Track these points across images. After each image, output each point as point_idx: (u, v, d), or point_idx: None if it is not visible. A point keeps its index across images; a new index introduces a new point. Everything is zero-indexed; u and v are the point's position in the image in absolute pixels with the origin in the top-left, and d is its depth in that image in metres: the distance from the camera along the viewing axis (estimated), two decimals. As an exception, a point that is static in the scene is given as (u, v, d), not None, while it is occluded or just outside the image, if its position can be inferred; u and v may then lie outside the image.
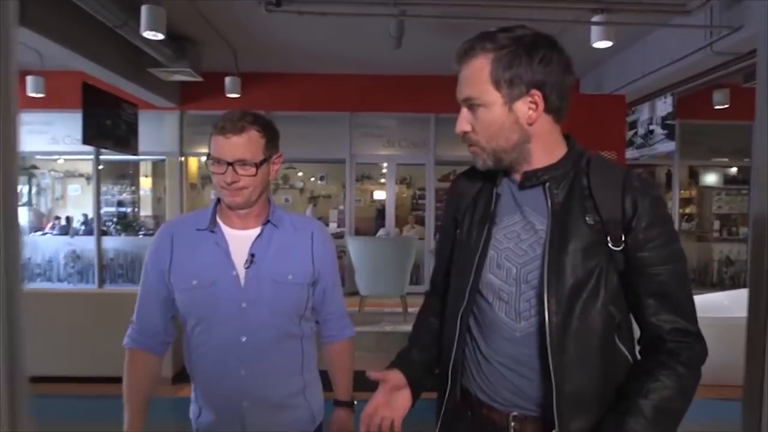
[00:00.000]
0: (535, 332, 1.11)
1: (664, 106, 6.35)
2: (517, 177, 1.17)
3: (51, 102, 7.73)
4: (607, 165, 1.16)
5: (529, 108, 1.09)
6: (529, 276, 1.12)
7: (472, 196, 1.24)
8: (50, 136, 8.65)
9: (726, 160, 8.86)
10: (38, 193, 10.29)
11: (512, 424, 1.13)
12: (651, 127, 6.75)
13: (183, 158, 8.80)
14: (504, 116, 1.10)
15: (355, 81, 8.17)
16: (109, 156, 8.53)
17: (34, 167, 9.66)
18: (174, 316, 1.52)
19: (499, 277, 1.16)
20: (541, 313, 1.09)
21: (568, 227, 1.09)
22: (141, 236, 9.29)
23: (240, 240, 1.45)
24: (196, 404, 1.52)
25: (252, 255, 1.43)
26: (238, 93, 7.15)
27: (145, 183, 10.76)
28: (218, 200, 1.48)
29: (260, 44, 6.69)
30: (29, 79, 7.13)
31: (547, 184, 1.13)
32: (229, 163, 1.36)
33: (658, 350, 1.09)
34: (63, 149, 8.80)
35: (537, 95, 1.08)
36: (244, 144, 1.36)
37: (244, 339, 1.42)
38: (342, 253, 6.97)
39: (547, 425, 1.09)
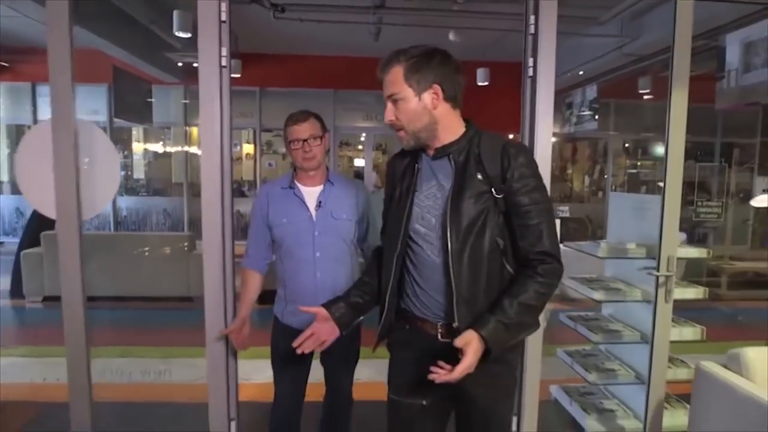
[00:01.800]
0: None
1: (591, 92, 7.82)
2: (431, 152, 1.54)
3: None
4: (493, 137, 1.50)
5: (432, 97, 1.46)
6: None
7: (402, 171, 1.60)
8: (67, 107, 9.73)
9: (652, 135, 10.46)
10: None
11: (439, 330, 1.51)
12: (582, 109, 8.22)
13: (187, 128, 10.00)
14: (416, 104, 1.46)
15: (339, 62, 9.37)
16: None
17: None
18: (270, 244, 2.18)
19: (424, 226, 1.52)
20: (445, 244, 1.45)
21: (464, 182, 1.45)
22: (144, 196, 10.48)
23: (311, 193, 2.11)
24: (283, 301, 2.18)
25: (320, 202, 2.09)
26: (238, 73, 8.33)
27: (138, 148, 11.52)
28: (294, 169, 2.15)
29: (258, 30, 7.77)
30: (56, 58, 8.16)
31: (451, 155, 1.50)
32: (304, 140, 2.03)
33: (525, 266, 1.46)
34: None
35: (437, 88, 1.46)
36: (310, 127, 2.05)
37: (318, 254, 2.08)
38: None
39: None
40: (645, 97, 8.75)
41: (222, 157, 2.25)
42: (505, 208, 1.45)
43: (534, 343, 2.41)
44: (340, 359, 2.25)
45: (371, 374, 3.66)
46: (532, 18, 2.34)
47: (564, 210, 10.25)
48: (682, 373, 2.78)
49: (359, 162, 12.42)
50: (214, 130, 2.21)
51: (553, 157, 11.94)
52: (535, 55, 2.33)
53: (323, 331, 1.62)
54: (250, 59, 8.82)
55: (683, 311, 2.88)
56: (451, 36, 6.58)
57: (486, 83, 8.32)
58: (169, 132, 10.51)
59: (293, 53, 9.25)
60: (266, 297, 2.28)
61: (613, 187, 10.60)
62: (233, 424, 2.49)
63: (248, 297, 2.21)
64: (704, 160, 10.87)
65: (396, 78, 1.45)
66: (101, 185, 2.32)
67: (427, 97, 1.46)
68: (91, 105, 9.80)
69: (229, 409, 2.47)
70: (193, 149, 10.53)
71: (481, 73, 8.30)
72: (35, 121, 9.68)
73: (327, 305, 1.65)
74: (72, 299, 2.34)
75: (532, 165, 1.47)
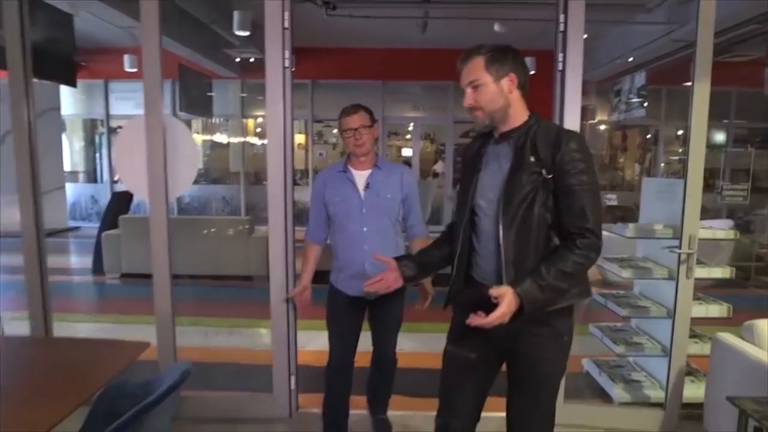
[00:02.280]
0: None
1: (640, 79, 7.77)
2: (497, 134, 1.75)
3: (137, 73, 9.44)
4: (550, 125, 1.70)
5: (509, 84, 1.67)
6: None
7: (472, 155, 1.84)
8: (135, 102, 10.50)
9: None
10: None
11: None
12: (630, 96, 8.18)
13: (244, 120, 10.56)
14: (495, 88, 1.67)
15: (388, 54, 9.66)
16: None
17: (120, 128, 11.51)
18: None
19: (484, 201, 1.72)
20: (497, 215, 1.66)
21: (520, 164, 1.65)
22: (203, 184, 11.13)
23: (361, 176, 2.43)
24: (336, 271, 2.49)
25: (368, 183, 2.41)
26: (293, 67, 8.74)
27: (197, 140, 12.15)
28: (348, 155, 2.46)
29: (310, 26, 8.16)
30: (126, 57, 8.86)
31: (512, 139, 1.70)
32: (355, 129, 2.36)
33: (566, 239, 1.62)
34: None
35: (513, 76, 1.67)
36: (359, 118, 2.37)
37: (365, 229, 2.40)
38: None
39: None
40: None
41: (285, 147, 2.61)
42: (554, 187, 1.62)
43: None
44: (386, 323, 2.57)
45: (415, 346, 3.99)
46: (561, 17, 2.57)
47: (612, 198, 10.19)
48: (708, 349, 2.93)
49: (407, 151, 12.70)
50: (278, 123, 2.57)
51: (603, 145, 11.87)
52: (564, 51, 2.55)
53: (390, 279, 1.88)
54: (303, 53, 9.23)
55: (727, 297, 3.01)
56: (497, 27, 6.74)
57: (533, 72, 8.41)
58: (226, 123, 11.11)
59: (343, 46, 9.59)
60: (318, 277, 2.58)
61: (665, 175, 10.44)
62: (293, 378, 2.87)
63: (309, 265, 2.54)
64: (764, 147, 10.55)
65: (477, 67, 1.67)
66: (184, 171, 2.72)
67: (505, 83, 1.66)
68: (157, 99, 10.51)
69: (290, 366, 2.85)
70: (251, 140, 11.12)
71: (527, 62, 8.40)
72: (108, 115, 10.48)
73: (396, 259, 1.92)
74: (161, 269, 2.74)
75: (583, 150, 1.62)
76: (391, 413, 2.84)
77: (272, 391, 2.87)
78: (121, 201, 6.66)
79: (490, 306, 1.55)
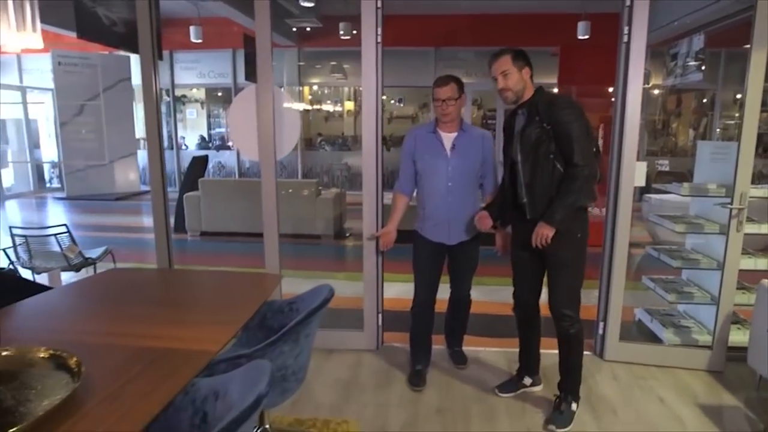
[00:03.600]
0: None
1: (698, 42, 7.71)
2: (518, 106, 2.52)
3: (202, 44, 9.90)
4: (548, 94, 2.47)
5: (525, 72, 2.45)
6: None
7: (509, 123, 2.59)
8: (197, 72, 11.05)
9: None
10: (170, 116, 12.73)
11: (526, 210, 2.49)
12: (687, 60, 8.12)
13: (301, 87, 10.97)
14: (518, 76, 2.43)
15: (440, 21, 9.81)
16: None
17: (184, 96, 12.16)
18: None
19: (516, 152, 2.47)
20: (517, 157, 2.46)
21: (530, 122, 2.41)
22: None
23: (448, 138, 2.78)
24: (422, 221, 2.88)
25: (454, 145, 2.77)
26: (350, 35, 9.06)
27: None
28: (436, 119, 2.81)
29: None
30: (191, 29, 9.32)
31: (525, 108, 2.46)
32: (443, 100, 2.72)
33: (565, 169, 2.36)
34: (206, 82, 11.17)
35: (527, 68, 2.45)
36: (449, 90, 2.71)
37: (450, 184, 2.78)
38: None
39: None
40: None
41: (377, 112, 2.99)
42: (553, 133, 2.35)
43: (618, 273, 3.01)
44: (464, 266, 2.96)
45: (480, 296, 4.38)
46: (629, -7, 2.81)
47: (663, 164, 10.19)
48: (754, 299, 3.20)
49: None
50: (372, 92, 2.95)
51: (656, 110, 11.71)
52: (630, 24, 2.81)
53: (483, 222, 2.70)
54: (356, 21, 9.45)
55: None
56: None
57: (587, 36, 8.44)
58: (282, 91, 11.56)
59: (396, 14, 9.76)
60: (400, 237, 2.96)
61: (720, 141, 10.31)
62: (380, 316, 3.33)
63: (397, 211, 2.91)
64: None
65: (506, 61, 2.44)
66: (287, 135, 3.15)
67: (524, 72, 2.45)
68: (219, 69, 11.03)
69: (378, 305, 3.31)
70: (325, 107, 11.41)
71: (581, 26, 8.42)
72: (173, 84, 11.07)
73: (485, 208, 2.75)
74: (270, 220, 3.21)
75: (571, 106, 2.36)
76: (464, 348, 3.27)
77: (362, 327, 3.33)
78: (199, 165, 7.24)
79: (526, 219, 2.46)
